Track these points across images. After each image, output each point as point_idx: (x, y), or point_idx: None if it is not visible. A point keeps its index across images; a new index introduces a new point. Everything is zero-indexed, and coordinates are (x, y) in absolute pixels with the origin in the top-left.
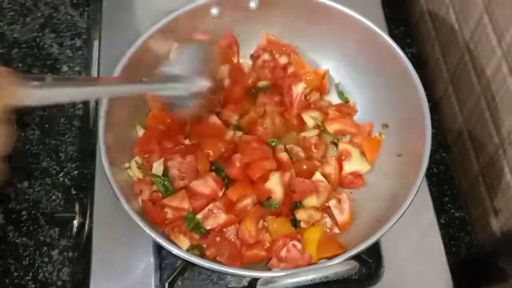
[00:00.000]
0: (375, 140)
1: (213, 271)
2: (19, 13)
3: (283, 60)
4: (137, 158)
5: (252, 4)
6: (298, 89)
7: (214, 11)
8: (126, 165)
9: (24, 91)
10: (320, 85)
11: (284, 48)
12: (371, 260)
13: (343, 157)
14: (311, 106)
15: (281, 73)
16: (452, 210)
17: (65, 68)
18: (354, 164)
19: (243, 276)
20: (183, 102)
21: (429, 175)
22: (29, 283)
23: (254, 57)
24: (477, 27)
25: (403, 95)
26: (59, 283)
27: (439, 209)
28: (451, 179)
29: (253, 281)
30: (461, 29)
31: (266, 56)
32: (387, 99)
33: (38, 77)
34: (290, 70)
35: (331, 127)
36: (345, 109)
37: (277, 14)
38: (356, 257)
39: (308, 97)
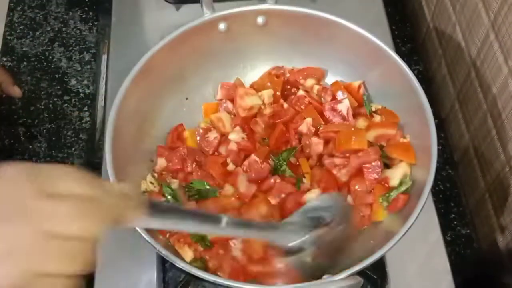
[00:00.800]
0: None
1: (217, 286)
2: (28, 27)
3: (309, 82)
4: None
5: (260, 20)
6: (344, 105)
7: (222, 26)
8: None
9: (141, 219)
10: (357, 96)
11: (311, 72)
12: (376, 276)
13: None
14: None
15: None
16: (458, 227)
17: (73, 82)
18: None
19: None
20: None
21: (435, 192)
22: None
23: (286, 95)
24: (484, 45)
25: (410, 111)
26: None
27: (445, 226)
28: (458, 196)
29: None
30: (467, 46)
31: (300, 93)
32: None
33: (160, 206)
34: (317, 88)
35: (370, 135)
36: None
37: (284, 30)
38: (361, 273)
39: None
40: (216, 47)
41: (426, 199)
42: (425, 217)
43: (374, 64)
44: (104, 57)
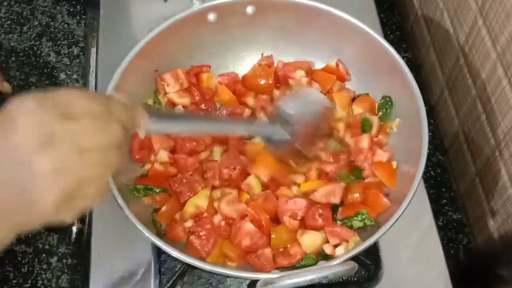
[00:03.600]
0: None
1: (213, 276)
2: (16, 22)
3: (298, 74)
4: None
5: (249, 10)
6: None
7: (211, 16)
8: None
9: (148, 123)
10: (338, 73)
11: (299, 65)
12: (370, 262)
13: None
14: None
15: None
16: (450, 213)
17: (62, 76)
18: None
19: (242, 278)
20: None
21: (426, 178)
22: None
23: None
24: (472, 30)
25: (400, 99)
26: None
27: (437, 212)
28: (448, 182)
29: (252, 285)
30: (456, 32)
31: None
32: None
33: (159, 112)
34: (305, 80)
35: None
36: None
37: (273, 20)
38: (355, 259)
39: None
40: (206, 38)
41: (417, 184)
42: (417, 203)
43: (364, 52)
44: (93, 50)
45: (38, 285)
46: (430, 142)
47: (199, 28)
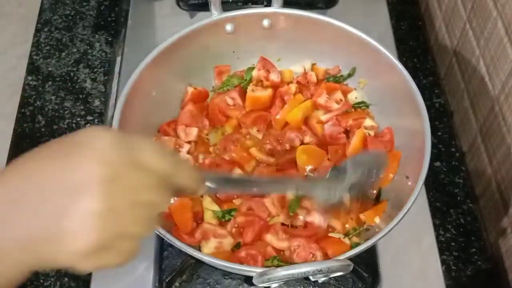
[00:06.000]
0: None
1: (211, 275)
2: (55, 48)
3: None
4: None
5: (265, 23)
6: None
7: (229, 27)
8: None
9: (204, 188)
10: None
11: None
12: (368, 274)
13: None
14: None
15: None
16: (479, 262)
17: (97, 103)
18: None
19: (239, 272)
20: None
21: (455, 225)
22: None
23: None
24: (508, 79)
25: (403, 108)
26: None
27: (466, 261)
28: (478, 231)
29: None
30: (491, 80)
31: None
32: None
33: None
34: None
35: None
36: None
37: (289, 34)
38: (353, 272)
39: None
40: (223, 47)
41: (419, 191)
42: (420, 221)
43: (376, 70)
44: (118, 59)
45: None
46: (460, 190)
47: (217, 37)
